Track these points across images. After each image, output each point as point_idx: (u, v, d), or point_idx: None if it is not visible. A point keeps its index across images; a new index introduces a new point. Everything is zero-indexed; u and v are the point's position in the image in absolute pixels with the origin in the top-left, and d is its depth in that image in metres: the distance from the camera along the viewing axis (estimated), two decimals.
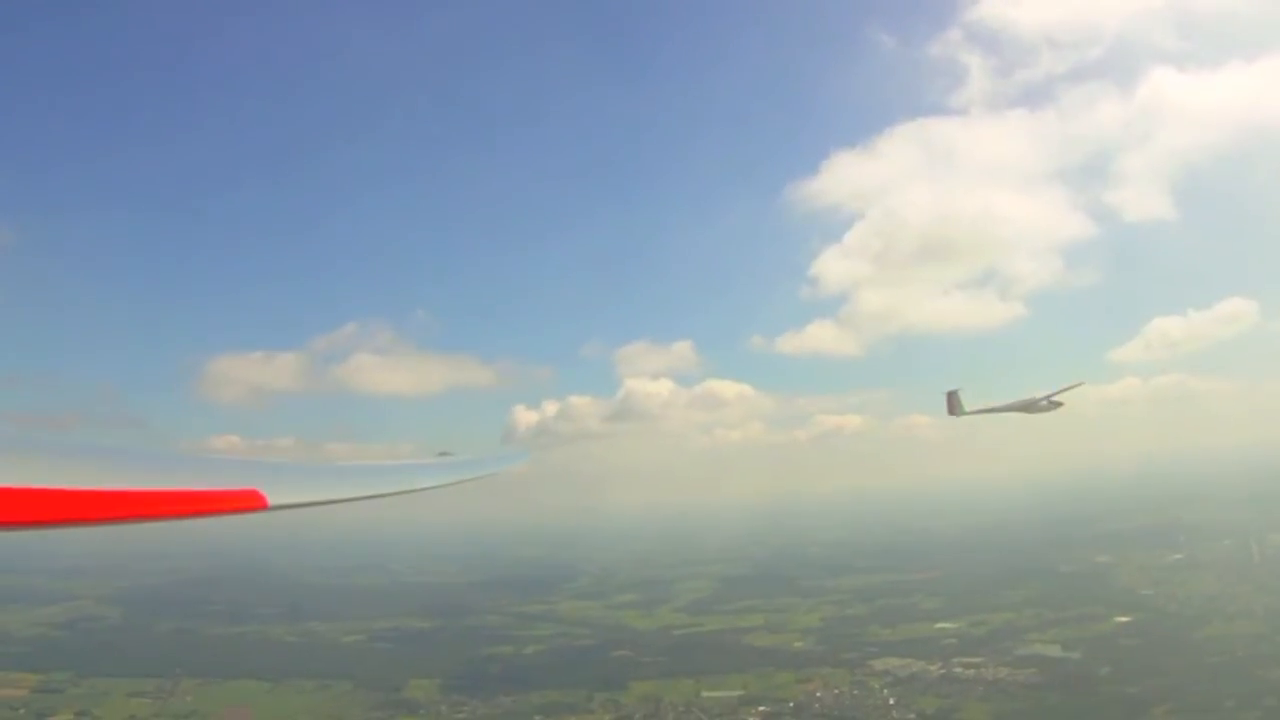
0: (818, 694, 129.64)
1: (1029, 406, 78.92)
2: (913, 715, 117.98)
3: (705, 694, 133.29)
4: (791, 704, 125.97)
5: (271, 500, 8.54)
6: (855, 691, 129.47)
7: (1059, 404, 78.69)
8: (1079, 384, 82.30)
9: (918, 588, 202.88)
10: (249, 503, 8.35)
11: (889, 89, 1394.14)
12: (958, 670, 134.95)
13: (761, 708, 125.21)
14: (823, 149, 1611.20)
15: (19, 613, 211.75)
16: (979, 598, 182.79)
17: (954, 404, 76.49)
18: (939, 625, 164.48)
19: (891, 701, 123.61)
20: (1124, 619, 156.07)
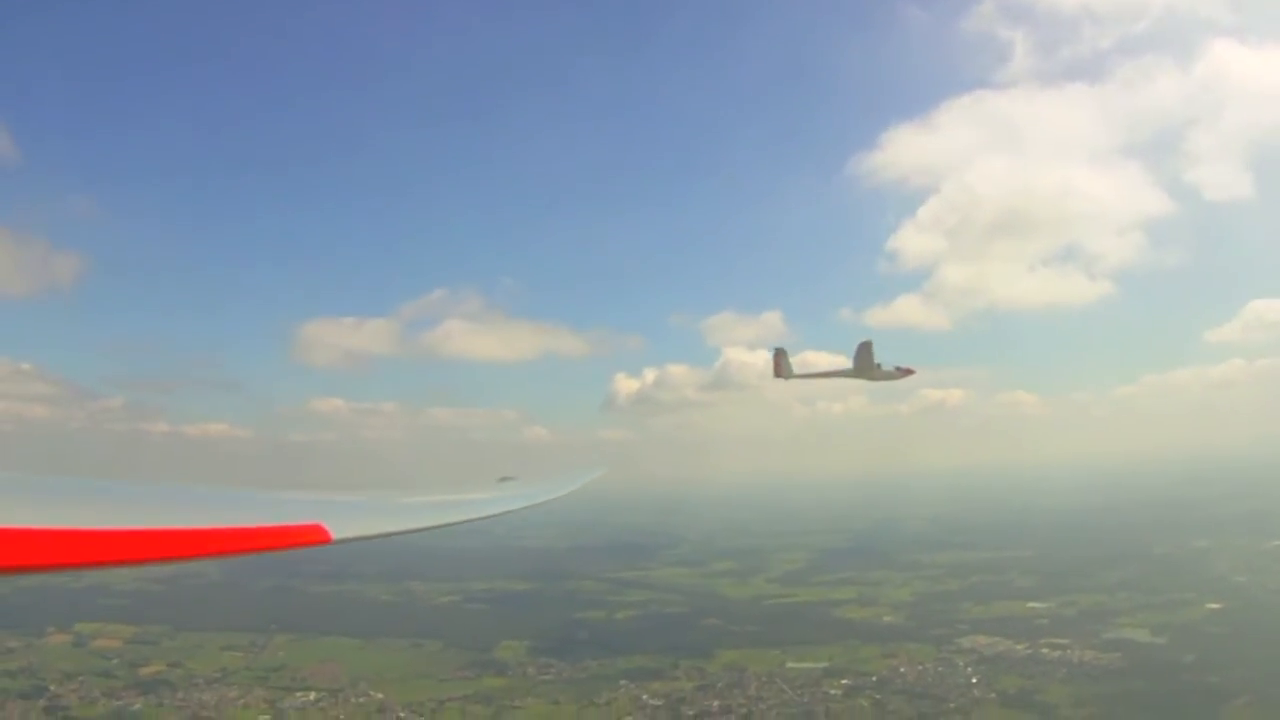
0: (901, 669, 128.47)
1: (864, 373, 69.19)
2: (993, 695, 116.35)
3: (790, 665, 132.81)
4: (874, 678, 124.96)
5: (335, 534, 8.68)
6: (939, 668, 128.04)
7: (908, 372, 70.67)
8: (912, 372, 73.42)
9: (1013, 565, 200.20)
10: (313, 537, 8.53)
11: (932, 64, 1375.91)
12: (1044, 651, 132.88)
13: (844, 681, 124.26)
14: (879, 123, 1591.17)
15: (118, 571, 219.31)
16: (1073, 578, 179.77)
17: (781, 365, 70.08)
18: (1030, 604, 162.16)
19: (974, 680, 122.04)
20: (1215, 605, 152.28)
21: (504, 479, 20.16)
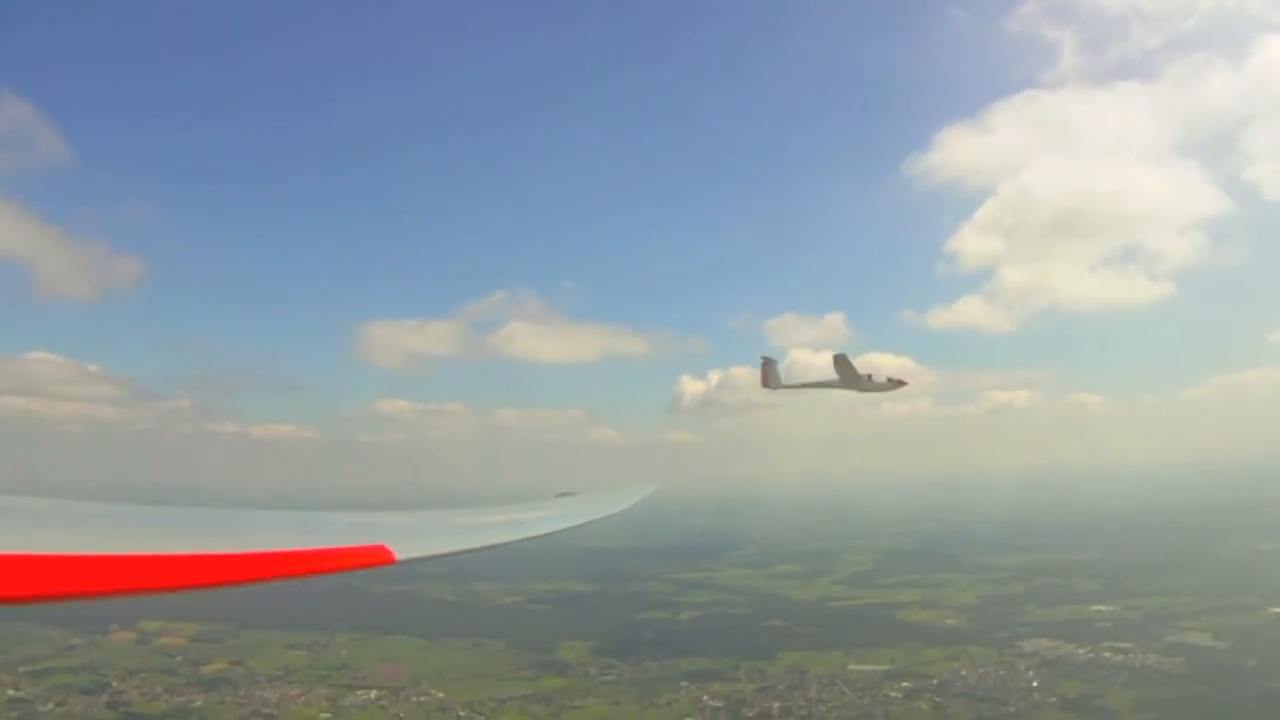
0: (962, 672, 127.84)
1: (853, 383, 67.15)
2: (1054, 699, 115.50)
3: (852, 667, 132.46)
4: (935, 681, 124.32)
5: (398, 555, 8.83)
6: (1000, 671, 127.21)
7: (900, 383, 68.43)
8: (904, 383, 69.96)
9: (1078, 568, 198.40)
10: (377, 558, 8.69)
11: (979, 65, 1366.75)
12: (1106, 655, 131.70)
13: (905, 683, 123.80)
14: (930, 124, 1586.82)
15: None
16: (1138, 581, 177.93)
17: (769, 375, 68.81)
18: (1095, 608, 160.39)
19: (1035, 684, 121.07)
20: (1279, 610, 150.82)
21: (563, 495, 20.49)
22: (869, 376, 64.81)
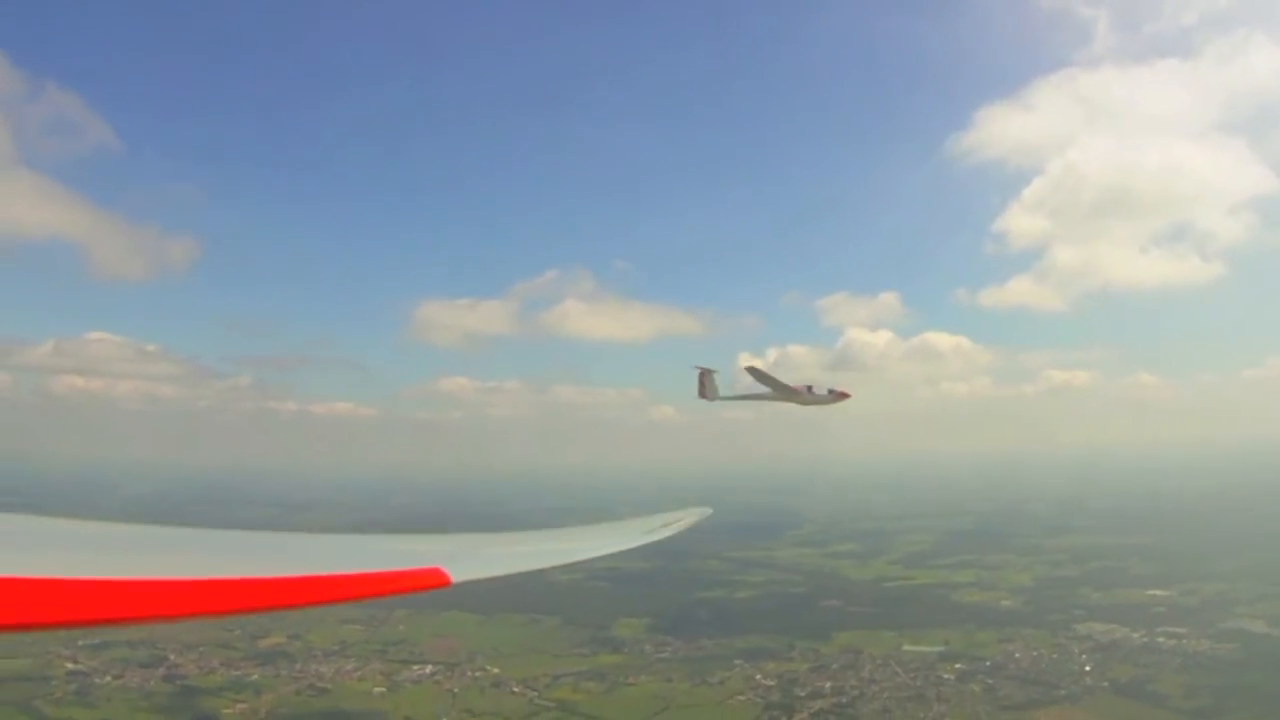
0: (1016, 654, 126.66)
1: (790, 395, 63.03)
2: (1105, 683, 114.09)
3: (906, 648, 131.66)
4: (988, 662, 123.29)
5: (454, 577, 8.77)
6: (1054, 655, 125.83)
7: (843, 395, 63.29)
8: (846, 395, 64.71)
9: (1135, 551, 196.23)
10: (433, 580, 8.63)
11: (1014, 44, 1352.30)
12: (1160, 640, 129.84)
13: (958, 665, 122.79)
14: (969, 103, 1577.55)
15: None
16: (1195, 565, 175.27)
17: (706, 386, 64.84)
18: (1150, 592, 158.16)
19: (1088, 668, 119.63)
20: None
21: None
22: (809, 388, 61.69)
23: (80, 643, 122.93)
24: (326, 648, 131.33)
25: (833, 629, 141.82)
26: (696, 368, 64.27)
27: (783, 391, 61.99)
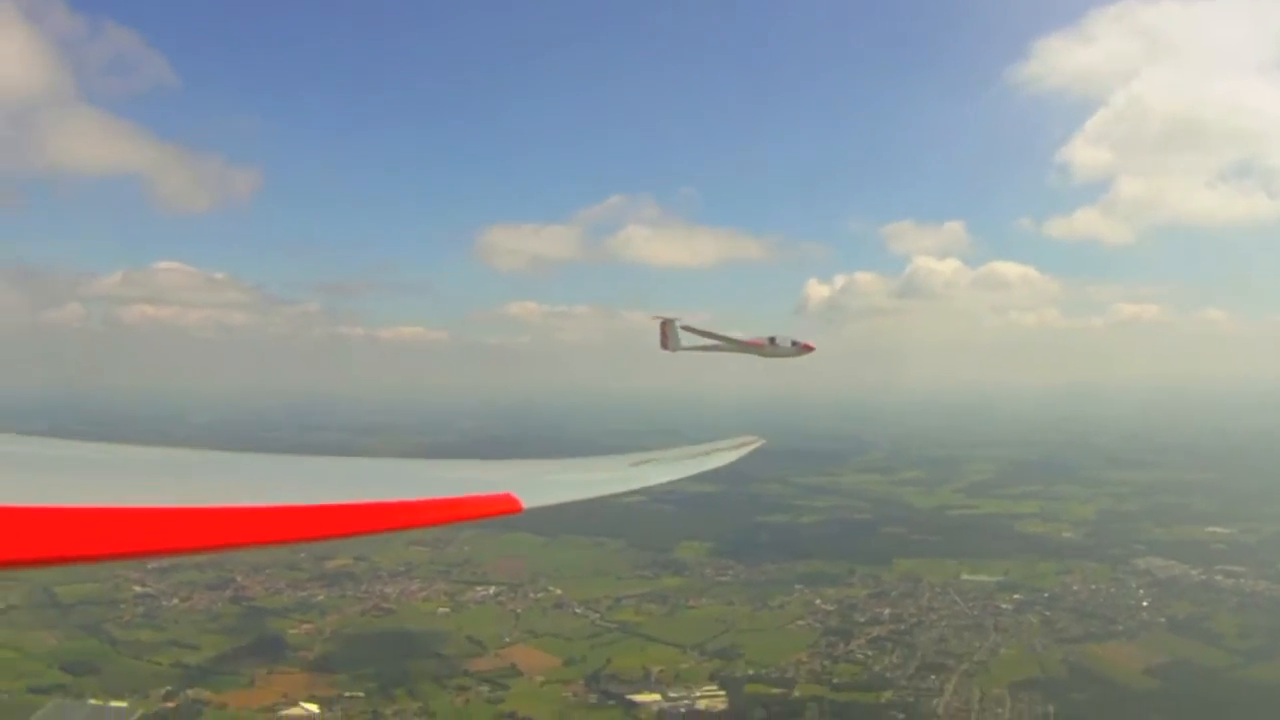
0: (1074, 587, 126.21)
1: (749, 349, 59.44)
2: (1162, 619, 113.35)
3: (965, 576, 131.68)
4: (1046, 594, 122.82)
5: (525, 503, 8.80)
6: (1112, 589, 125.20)
7: (807, 348, 58.98)
8: (811, 348, 60.27)
9: (1198, 488, 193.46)
10: (504, 506, 8.64)
11: None
12: (1218, 578, 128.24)
13: (1016, 595, 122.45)
14: (1026, 33, 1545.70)
15: None
16: (1258, 504, 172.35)
17: (668, 336, 60.14)
18: (1210, 529, 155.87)
19: (1145, 603, 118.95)
20: None
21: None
22: (771, 340, 59.24)
23: (149, 566, 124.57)
24: (392, 569, 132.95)
25: (894, 556, 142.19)
26: (655, 318, 60.96)
27: (737, 345, 59.69)
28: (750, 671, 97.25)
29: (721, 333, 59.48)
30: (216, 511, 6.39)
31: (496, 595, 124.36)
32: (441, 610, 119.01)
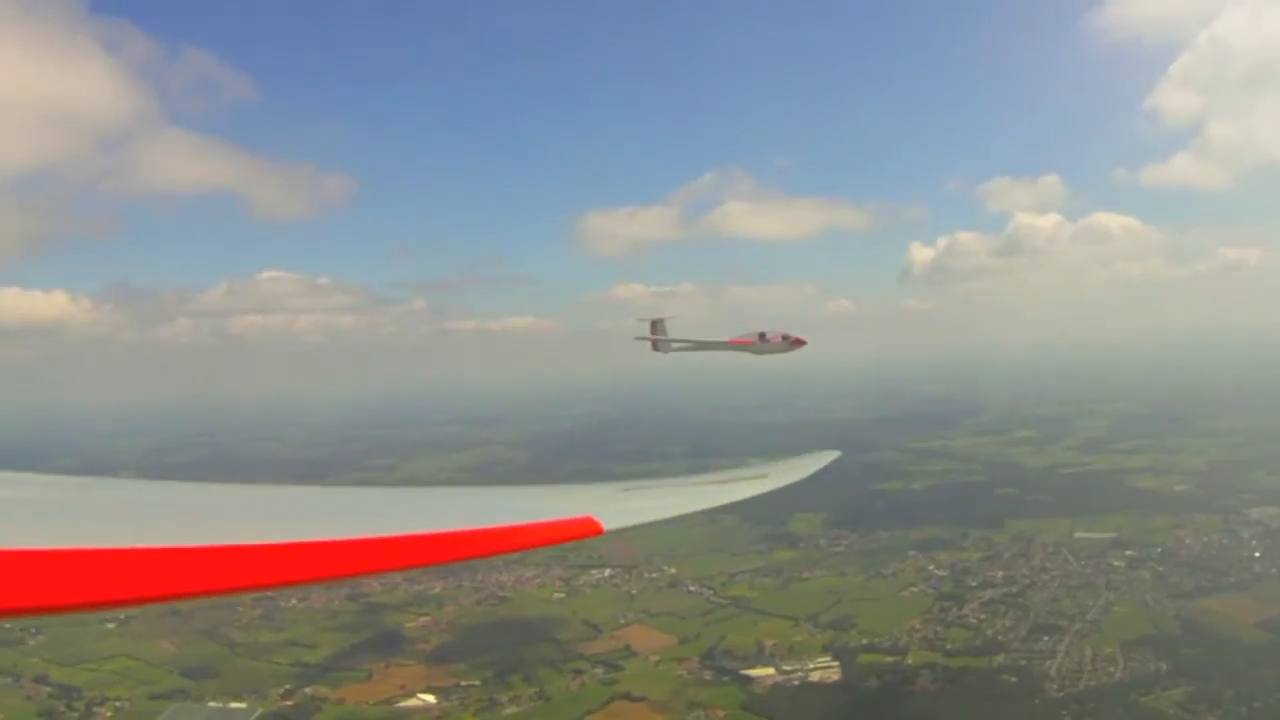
0: (1186, 540, 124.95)
1: (728, 346, 57.78)
2: (1274, 570, 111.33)
3: (1078, 535, 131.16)
4: (1159, 549, 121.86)
5: (605, 526, 8.76)
6: (1223, 540, 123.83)
7: (799, 342, 57.14)
8: (803, 342, 55.44)
9: None
10: (585, 530, 8.62)
11: None
12: None
13: (1129, 552, 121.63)
14: None
15: (435, 459, 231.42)
16: None
17: (659, 335, 58.92)
18: None
19: (1257, 554, 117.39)
20: None
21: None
22: (761, 335, 56.95)
23: None
24: (508, 558, 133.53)
25: (1007, 517, 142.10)
26: (643, 320, 59.70)
27: (722, 346, 58.05)
28: (864, 641, 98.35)
29: (706, 337, 59.46)
30: (300, 547, 6.49)
31: (611, 578, 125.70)
32: (557, 595, 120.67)
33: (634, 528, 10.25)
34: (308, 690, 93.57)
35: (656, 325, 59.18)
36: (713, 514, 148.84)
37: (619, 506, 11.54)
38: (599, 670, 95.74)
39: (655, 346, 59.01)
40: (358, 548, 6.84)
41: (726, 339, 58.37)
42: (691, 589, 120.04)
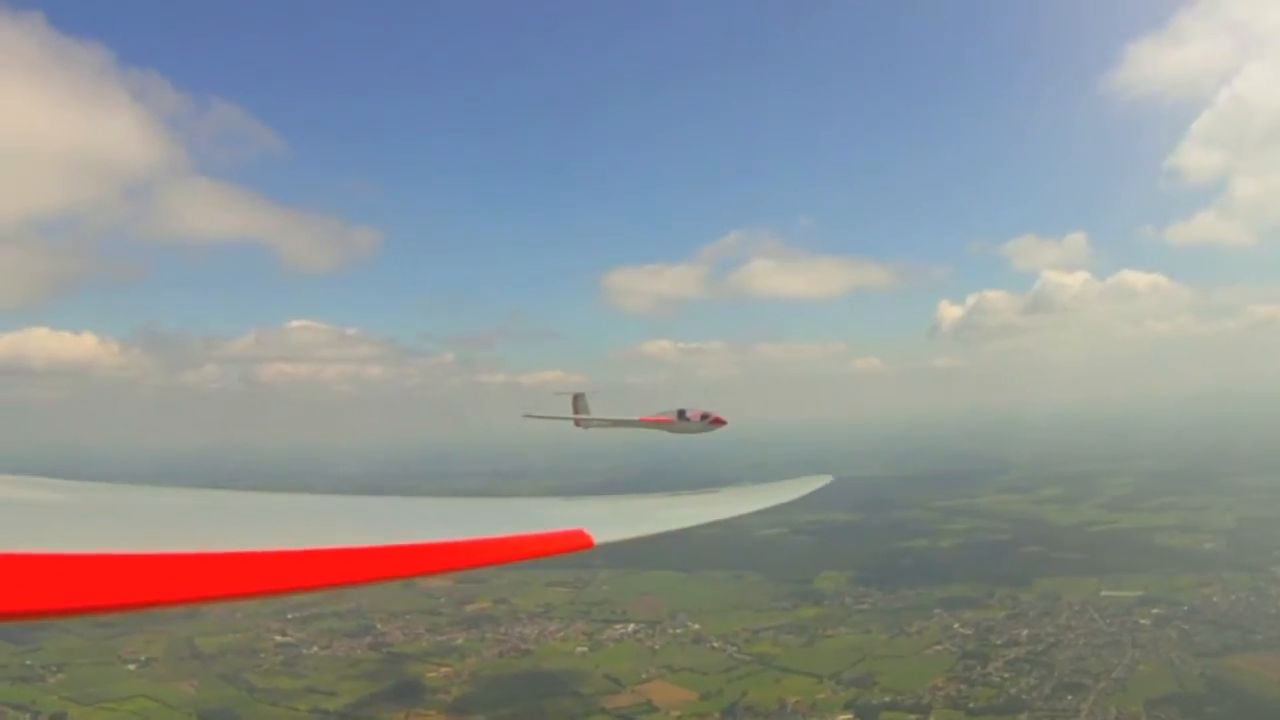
0: (1214, 598, 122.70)
1: (666, 425, 54.92)
2: None
3: (1105, 593, 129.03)
4: (1186, 607, 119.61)
5: (597, 538, 8.64)
6: (1251, 598, 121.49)
7: (719, 422, 54.80)
8: (723, 422, 52.50)
9: None
10: (576, 542, 8.47)
11: None
12: None
13: (1155, 610, 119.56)
14: (1115, 38, 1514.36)
15: None
16: None
17: (579, 410, 57.69)
18: None
19: None
20: None
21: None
22: (680, 413, 55.10)
23: (289, 615, 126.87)
24: (531, 610, 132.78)
25: (1033, 576, 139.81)
26: (563, 394, 58.87)
27: (638, 424, 55.99)
28: (886, 699, 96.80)
29: (622, 416, 58.07)
30: (296, 555, 6.33)
31: (635, 633, 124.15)
32: (580, 649, 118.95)
33: (624, 541, 9.99)
34: None
35: (578, 400, 58.17)
36: (738, 570, 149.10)
37: (610, 520, 11.34)
38: None
39: (577, 423, 57.91)
40: (350, 556, 6.70)
41: (638, 417, 56.51)
42: (715, 645, 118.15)
